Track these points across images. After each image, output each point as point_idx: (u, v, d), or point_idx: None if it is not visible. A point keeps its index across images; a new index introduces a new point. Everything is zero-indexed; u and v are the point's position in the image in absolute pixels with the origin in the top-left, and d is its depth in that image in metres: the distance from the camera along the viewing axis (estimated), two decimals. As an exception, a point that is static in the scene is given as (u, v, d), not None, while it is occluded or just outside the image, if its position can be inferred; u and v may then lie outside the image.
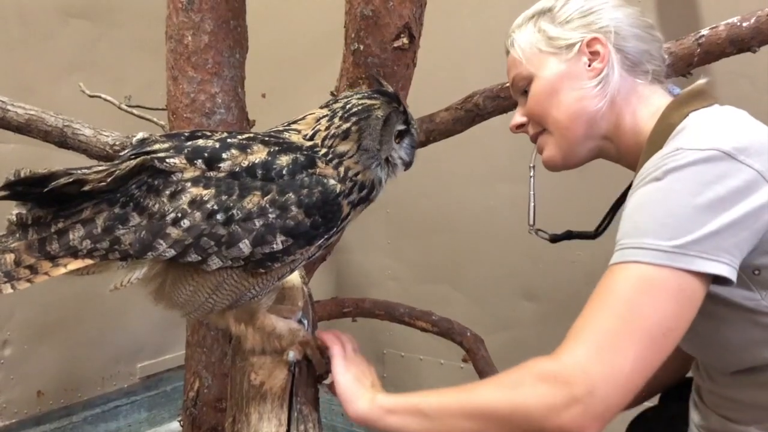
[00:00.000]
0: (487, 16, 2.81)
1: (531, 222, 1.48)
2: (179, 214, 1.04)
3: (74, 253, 1.05)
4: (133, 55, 3.28)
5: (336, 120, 1.14)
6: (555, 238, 1.52)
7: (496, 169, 2.87)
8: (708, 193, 0.95)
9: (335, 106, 1.18)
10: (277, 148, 1.11)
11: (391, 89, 1.21)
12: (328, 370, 1.27)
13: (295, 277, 1.42)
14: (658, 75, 1.24)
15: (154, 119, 2.34)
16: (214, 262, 1.06)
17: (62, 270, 1.06)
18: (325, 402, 3.87)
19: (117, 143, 1.97)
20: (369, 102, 1.16)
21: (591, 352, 0.94)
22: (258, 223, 1.05)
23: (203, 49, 1.94)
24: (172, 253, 1.05)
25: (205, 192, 1.05)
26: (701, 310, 1.01)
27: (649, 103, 1.20)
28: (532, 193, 1.47)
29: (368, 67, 1.81)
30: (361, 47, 1.80)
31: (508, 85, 1.85)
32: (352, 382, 1.18)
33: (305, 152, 1.12)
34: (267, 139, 1.13)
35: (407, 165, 1.25)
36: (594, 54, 1.20)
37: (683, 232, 0.94)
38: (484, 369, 2.14)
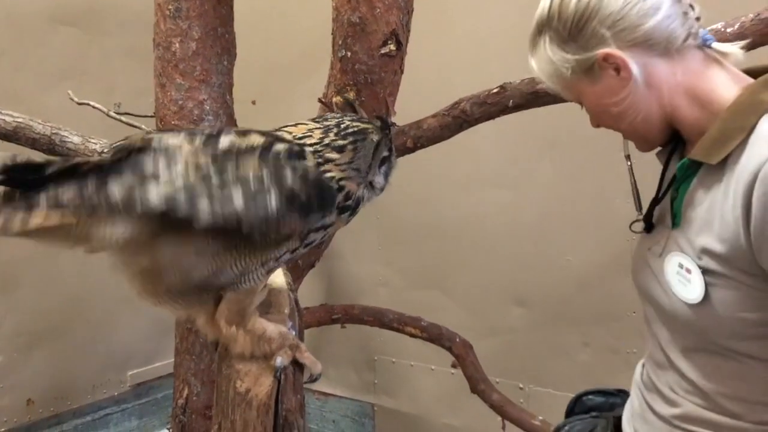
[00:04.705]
0: (474, 23, 2.82)
1: (638, 208, 1.31)
2: (174, 174, 1.03)
3: (58, 207, 1.00)
4: (123, 63, 3.28)
5: (331, 135, 1.16)
6: (648, 229, 1.29)
7: (486, 175, 2.88)
8: None
9: (327, 123, 1.19)
10: (274, 138, 1.12)
11: (385, 117, 1.23)
12: (320, 372, 1.28)
13: (280, 280, 1.42)
14: (693, 35, 1.13)
15: (143, 126, 2.34)
16: (205, 217, 1.03)
17: (38, 220, 0.99)
18: (316, 408, 3.87)
19: (105, 151, 1.96)
20: (364, 125, 1.18)
21: None
22: (255, 184, 1.05)
23: (191, 57, 1.94)
24: (161, 206, 1.01)
25: (203, 160, 1.05)
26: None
27: (704, 73, 1.13)
28: (633, 181, 1.35)
29: (356, 73, 1.82)
30: (349, 54, 1.80)
31: (495, 91, 1.87)
32: None
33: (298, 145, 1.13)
34: (264, 131, 1.14)
35: (381, 189, 1.26)
36: (615, 63, 1.12)
37: None
38: (473, 375, 2.15)
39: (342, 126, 1.18)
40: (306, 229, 1.14)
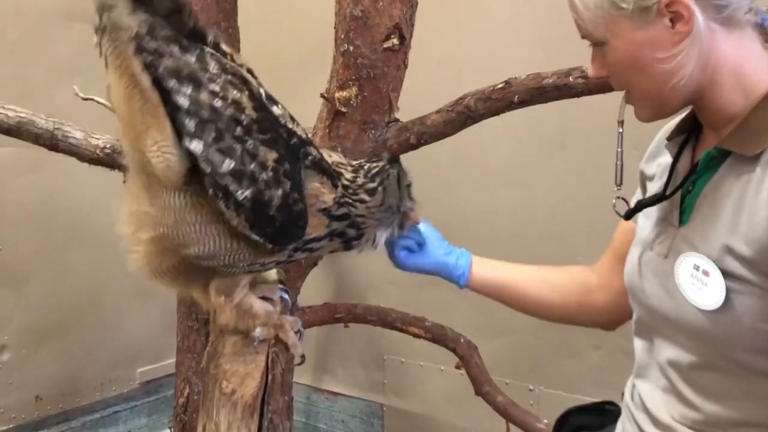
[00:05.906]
0: (479, 17, 2.79)
1: (618, 182, 1.24)
2: (219, 89, 1.09)
3: None
4: (134, 59, 3.27)
5: (361, 176, 1.25)
6: (629, 215, 1.25)
7: (496, 173, 2.84)
8: None
9: (354, 163, 1.29)
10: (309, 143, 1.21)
11: (391, 153, 1.34)
12: (302, 354, 1.31)
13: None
14: (753, 10, 1.03)
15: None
16: (216, 160, 1.06)
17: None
18: (325, 408, 3.84)
19: (107, 146, 1.96)
20: (380, 163, 1.28)
21: None
22: (259, 175, 1.09)
23: (193, 51, 1.92)
24: (185, 103, 1.06)
25: (247, 104, 1.11)
26: None
27: (754, 54, 1.02)
28: (619, 150, 1.23)
29: (358, 68, 1.79)
30: (351, 48, 1.77)
31: (500, 86, 1.82)
32: None
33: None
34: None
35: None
36: (675, 14, 0.98)
37: None
38: (477, 376, 2.11)
39: (365, 168, 1.27)
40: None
